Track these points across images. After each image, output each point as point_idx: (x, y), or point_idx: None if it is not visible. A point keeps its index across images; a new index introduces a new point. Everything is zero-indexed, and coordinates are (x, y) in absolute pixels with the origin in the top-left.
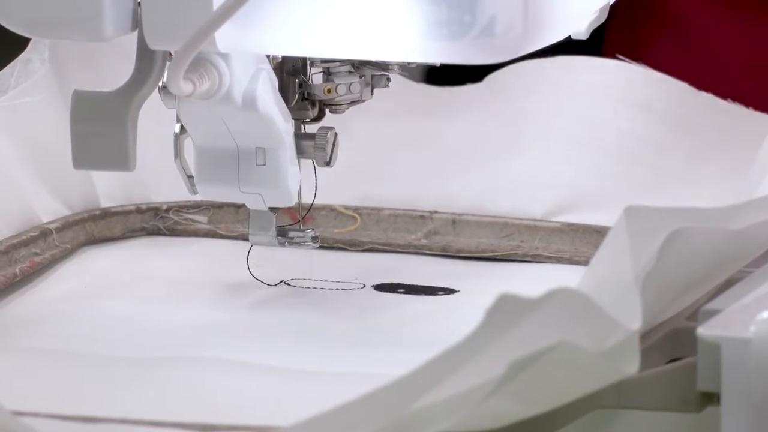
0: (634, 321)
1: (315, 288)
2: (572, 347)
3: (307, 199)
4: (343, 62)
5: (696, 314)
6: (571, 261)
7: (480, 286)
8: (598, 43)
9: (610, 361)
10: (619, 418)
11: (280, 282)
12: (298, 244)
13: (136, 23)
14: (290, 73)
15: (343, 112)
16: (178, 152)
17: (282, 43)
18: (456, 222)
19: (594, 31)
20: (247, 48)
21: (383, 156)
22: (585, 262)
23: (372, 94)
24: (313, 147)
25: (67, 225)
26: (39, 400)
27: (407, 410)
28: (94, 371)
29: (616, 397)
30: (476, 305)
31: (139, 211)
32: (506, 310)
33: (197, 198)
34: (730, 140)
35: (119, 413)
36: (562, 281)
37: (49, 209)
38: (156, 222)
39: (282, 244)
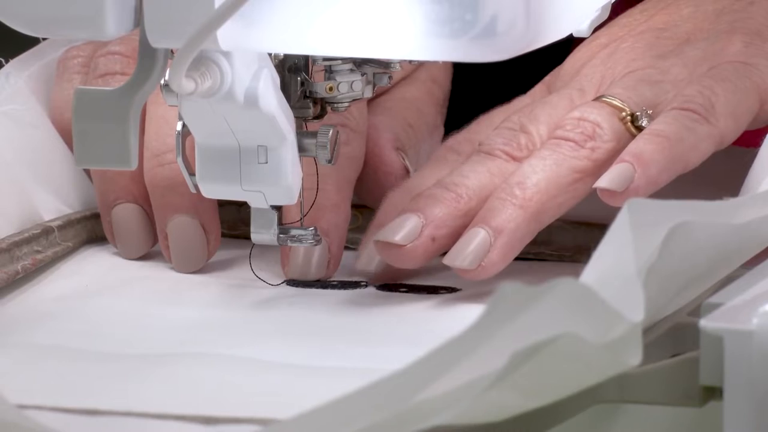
0: (636, 313)
1: (317, 288)
2: (575, 339)
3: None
4: (344, 60)
5: (698, 310)
6: (573, 259)
7: (482, 285)
8: None
9: (612, 353)
10: (621, 413)
11: (283, 282)
12: (300, 242)
13: (138, 20)
14: (292, 71)
15: (345, 110)
16: (179, 150)
17: (284, 42)
18: None
19: None
20: (249, 46)
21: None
22: (588, 260)
23: (373, 92)
24: (315, 145)
25: (69, 223)
26: (42, 393)
27: (409, 402)
28: (97, 366)
29: (618, 391)
30: (479, 303)
31: None
32: (508, 302)
33: None
34: None
35: (123, 406)
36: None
37: (50, 208)
38: None
39: (284, 242)
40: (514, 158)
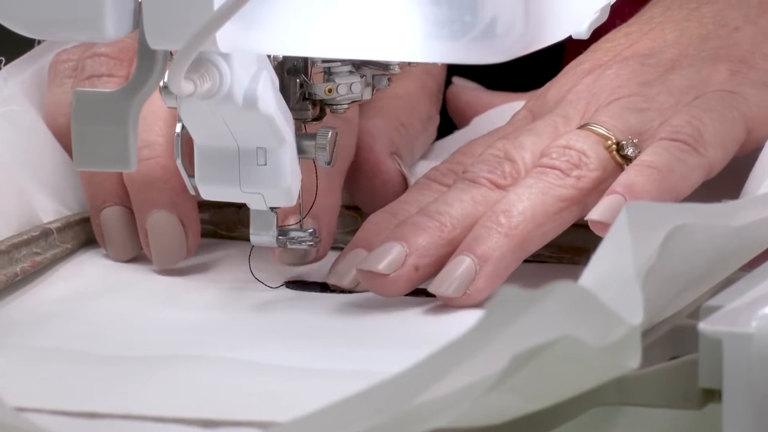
0: (635, 316)
1: (317, 291)
2: (574, 342)
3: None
4: (344, 62)
5: (697, 312)
6: (572, 261)
7: None
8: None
9: (611, 356)
10: (620, 415)
11: (282, 284)
12: (299, 243)
13: (137, 23)
14: (291, 73)
15: (344, 112)
16: (179, 152)
17: (283, 43)
18: None
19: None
20: (248, 48)
21: None
22: (587, 262)
23: (372, 94)
24: (315, 147)
25: (68, 225)
26: (41, 396)
27: (409, 404)
28: (96, 369)
29: (617, 393)
30: (478, 306)
31: None
32: (508, 305)
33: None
34: None
35: (122, 409)
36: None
37: (49, 209)
38: None
39: (283, 244)
40: (499, 186)
